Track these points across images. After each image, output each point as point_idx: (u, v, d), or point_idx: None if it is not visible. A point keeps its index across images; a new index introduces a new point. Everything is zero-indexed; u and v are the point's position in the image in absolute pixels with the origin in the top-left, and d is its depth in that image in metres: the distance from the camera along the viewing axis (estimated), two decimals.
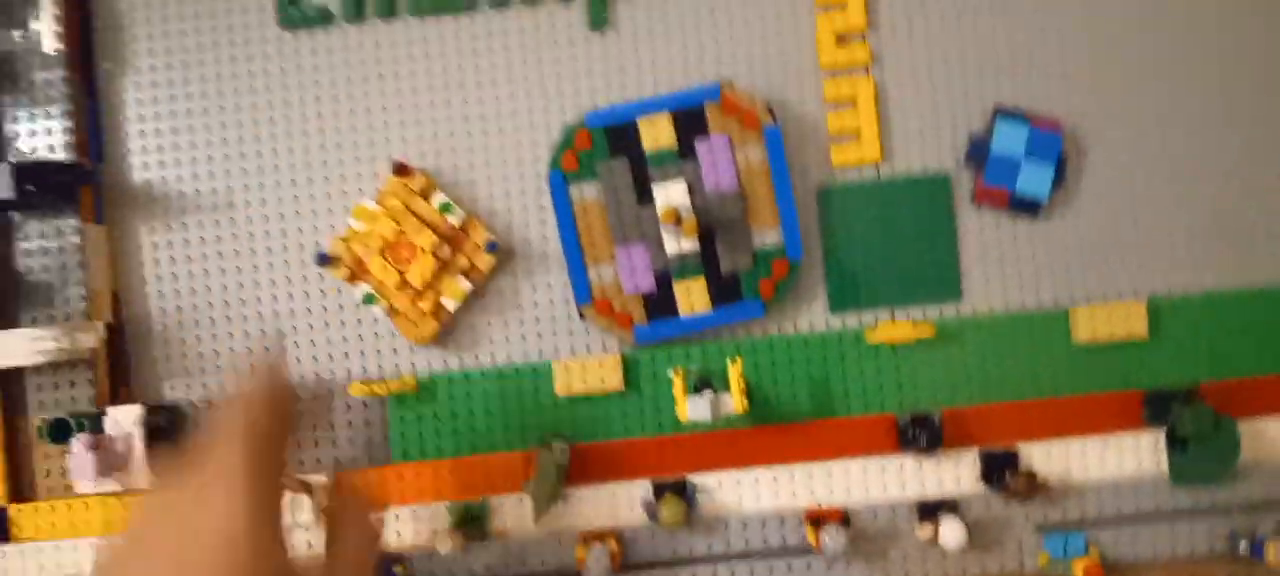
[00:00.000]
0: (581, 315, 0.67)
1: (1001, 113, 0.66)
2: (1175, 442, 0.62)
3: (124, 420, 0.65)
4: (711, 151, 0.65)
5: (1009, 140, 0.66)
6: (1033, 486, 0.60)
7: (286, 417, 0.49)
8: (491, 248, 0.65)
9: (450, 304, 0.66)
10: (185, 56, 0.68)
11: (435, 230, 0.65)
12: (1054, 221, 0.67)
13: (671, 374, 0.63)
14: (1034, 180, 0.66)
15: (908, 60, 0.67)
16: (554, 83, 0.67)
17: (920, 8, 0.67)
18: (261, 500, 0.39)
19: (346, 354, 0.68)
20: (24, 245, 0.67)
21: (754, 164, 0.65)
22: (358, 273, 0.66)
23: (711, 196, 0.65)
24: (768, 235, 0.66)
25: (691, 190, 0.65)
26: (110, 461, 0.63)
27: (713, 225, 0.65)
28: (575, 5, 0.68)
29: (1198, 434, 0.61)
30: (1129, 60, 0.67)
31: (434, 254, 0.64)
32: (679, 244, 0.65)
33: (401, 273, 0.65)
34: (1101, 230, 0.67)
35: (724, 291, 0.66)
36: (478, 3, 0.68)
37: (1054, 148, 0.66)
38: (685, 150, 0.65)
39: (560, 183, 0.66)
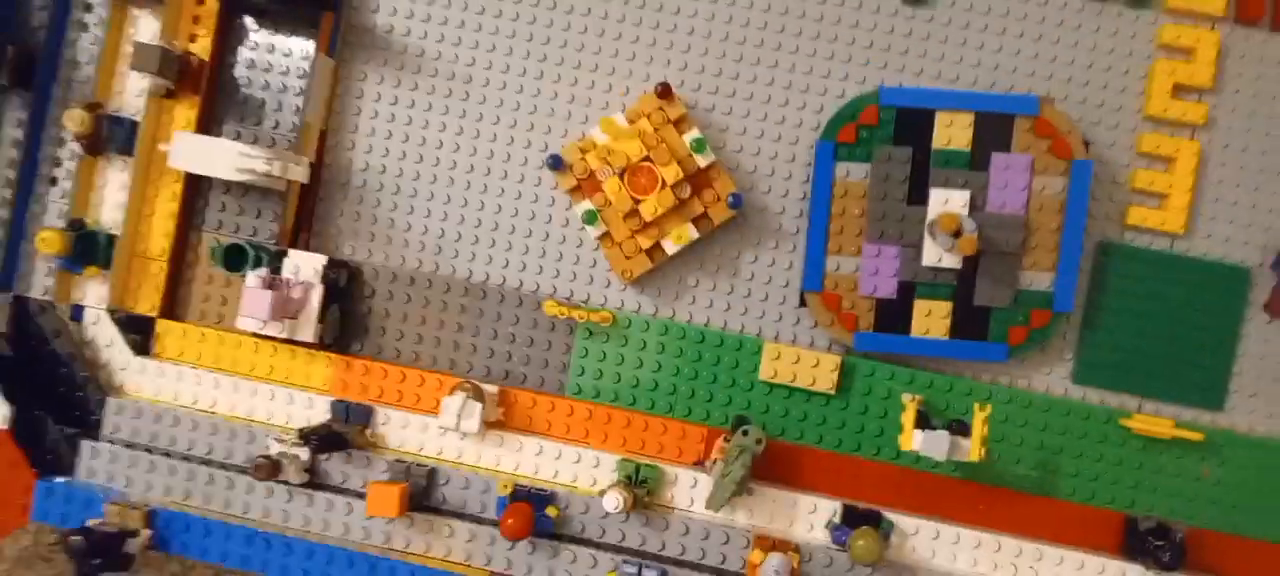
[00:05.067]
0: (802, 302, 0.60)
1: None
2: None
3: (306, 266, 0.60)
4: (1008, 169, 0.58)
5: None
6: None
7: None
8: (735, 201, 0.59)
9: (671, 247, 0.60)
10: None
11: (681, 167, 0.58)
12: None
13: (905, 399, 0.56)
14: None
15: (1244, 135, 0.59)
16: (851, 48, 0.60)
17: (1276, 87, 0.59)
18: None
19: (544, 268, 0.62)
20: (250, 55, 0.62)
21: (1049, 196, 0.58)
22: (584, 187, 0.60)
23: (992, 218, 0.58)
24: (1038, 278, 0.58)
25: (973, 204, 0.58)
26: (284, 305, 0.58)
27: (983, 249, 0.58)
28: None
29: None
30: None
31: (674, 190, 0.58)
32: (941, 258, 0.58)
33: (636, 200, 0.59)
34: None
35: (967, 324, 0.59)
36: None
37: None
38: (978, 160, 0.58)
39: (828, 155, 0.59)
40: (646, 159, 0.59)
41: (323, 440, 0.57)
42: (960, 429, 0.55)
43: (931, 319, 0.59)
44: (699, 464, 0.59)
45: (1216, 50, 0.59)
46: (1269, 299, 0.59)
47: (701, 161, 0.59)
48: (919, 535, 0.57)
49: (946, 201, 0.58)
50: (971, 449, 0.54)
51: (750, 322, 0.62)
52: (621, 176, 0.59)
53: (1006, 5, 0.60)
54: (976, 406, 0.55)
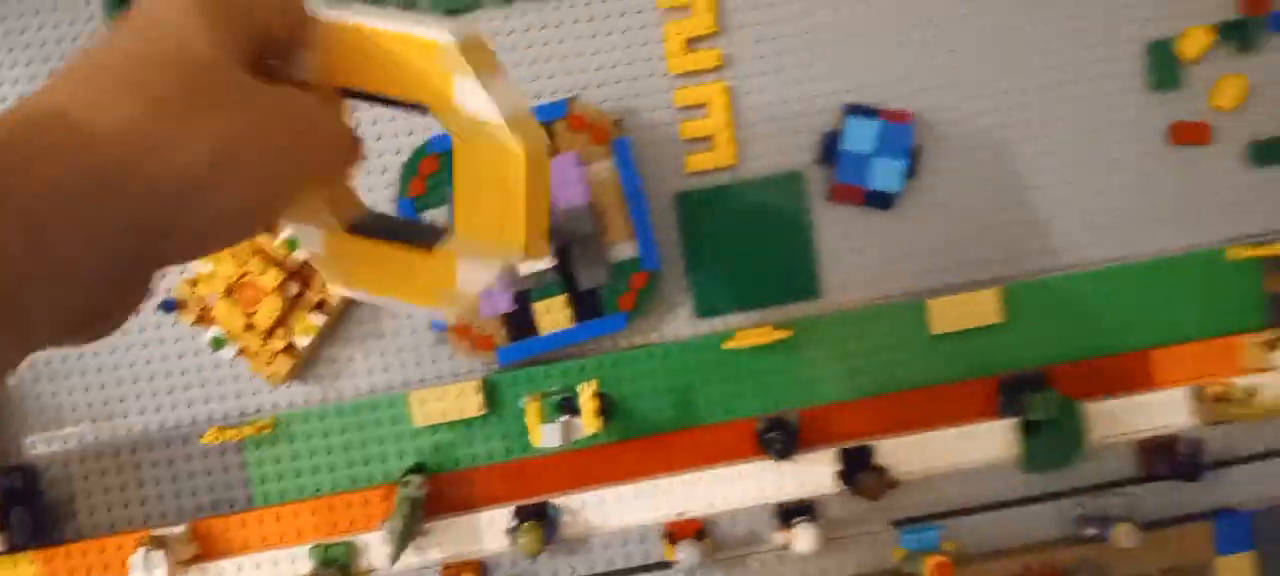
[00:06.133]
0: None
1: (851, 110, 0.66)
2: (1027, 428, 0.63)
3: None
4: (561, 169, 0.64)
5: (859, 136, 0.66)
6: (883, 483, 0.60)
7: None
8: None
9: (302, 341, 0.65)
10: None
11: (281, 267, 0.63)
12: (908, 214, 0.67)
13: (523, 402, 0.63)
14: (886, 174, 0.66)
15: (757, 63, 0.67)
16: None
17: (768, 9, 0.66)
18: (218, 16, 0.30)
19: (207, 399, 0.67)
20: None
21: (605, 177, 0.65)
22: (206, 316, 0.64)
23: (564, 214, 0.64)
24: (624, 248, 0.65)
25: None
26: None
27: (567, 242, 0.64)
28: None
29: (1047, 419, 0.62)
30: (975, 51, 0.67)
31: (280, 293, 0.63)
32: (533, 265, 0.64)
33: (249, 315, 0.63)
34: (954, 220, 0.67)
35: (585, 307, 0.66)
36: None
37: (904, 140, 0.66)
38: None
39: (410, 210, 0.64)
40: (245, 274, 0.64)
41: None
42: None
43: (553, 315, 0.66)
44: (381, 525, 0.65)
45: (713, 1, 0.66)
46: (826, 189, 0.67)
47: (302, 255, 0.64)
48: (585, 507, 0.64)
49: None
50: (585, 424, 0.61)
51: (409, 376, 0.67)
52: (229, 295, 0.64)
53: (525, 22, 0.66)
54: (581, 387, 0.62)
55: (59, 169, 0.25)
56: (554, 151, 0.64)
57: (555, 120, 0.64)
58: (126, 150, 0.27)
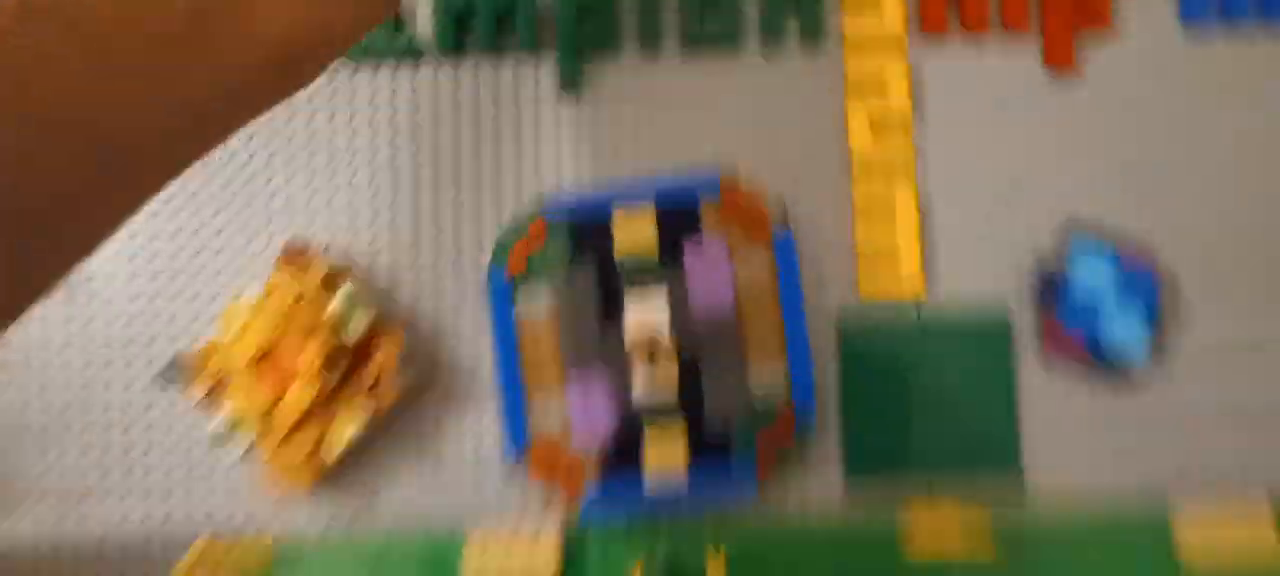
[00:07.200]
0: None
1: (1078, 237, 0.51)
2: None
3: None
4: (703, 257, 0.49)
5: (1091, 275, 0.50)
6: None
7: None
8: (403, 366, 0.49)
9: (339, 440, 0.49)
10: None
11: (333, 335, 0.48)
12: (1148, 386, 0.51)
13: (631, 569, 0.46)
14: (1125, 329, 0.50)
15: (958, 164, 0.52)
16: (512, 157, 0.52)
17: (975, 98, 0.52)
18: None
19: (207, 498, 0.51)
20: None
21: (755, 279, 0.49)
22: (216, 396, 0.49)
23: (700, 319, 0.49)
24: (767, 373, 0.49)
25: (674, 308, 0.49)
26: None
27: (698, 358, 0.49)
28: (543, 62, 0.53)
29: None
30: (1237, 192, 0.52)
31: (325, 369, 0.47)
32: (651, 384, 0.48)
33: (275, 398, 0.48)
34: (1210, 403, 0.50)
35: (707, 446, 0.49)
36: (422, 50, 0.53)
37: (1148, 291, 0.50)
38: (670, 255, 0.49)
39: (502, 289, 0.49)
40: (281, 341, 0.48)
41: None
42: None
43: (666, 449, 0.49)
44: None
45: (907, 76, 0.52)
46: (1039, 337, 0.51)
47: (357, 327, 0.49)
48: None
49: (644, 313, 0.48)
50: None
51: (465, 499, 0.51)
52: (254, 368, 0.48)
53: (670, 83, 0.53)
54: (709, 552, 0.45)
55: None
56: (696, 231, 0.49)
57: (702, 197, 0.49)
58: None
